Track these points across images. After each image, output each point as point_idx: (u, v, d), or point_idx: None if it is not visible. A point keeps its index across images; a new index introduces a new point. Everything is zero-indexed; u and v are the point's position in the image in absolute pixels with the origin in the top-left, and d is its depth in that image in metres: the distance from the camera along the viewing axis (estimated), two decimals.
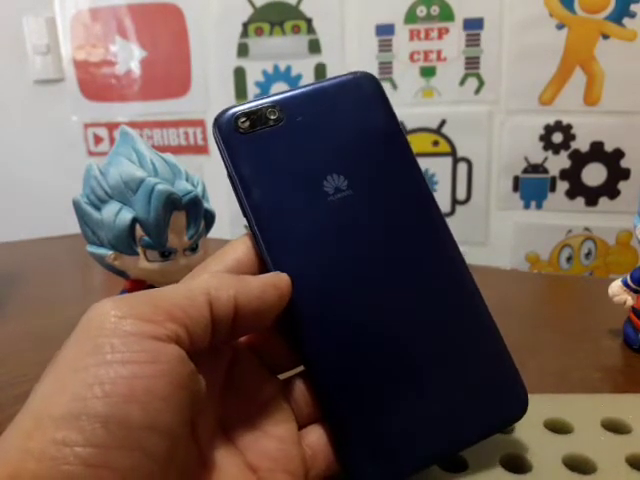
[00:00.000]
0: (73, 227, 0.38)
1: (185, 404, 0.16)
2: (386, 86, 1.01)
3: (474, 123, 0.98)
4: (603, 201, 0.96)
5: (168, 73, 1.12)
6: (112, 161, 0.34)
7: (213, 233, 0.38)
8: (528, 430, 0.25)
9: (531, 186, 0.98)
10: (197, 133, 1.14)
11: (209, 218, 0.37)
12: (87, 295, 0.58)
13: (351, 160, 0.23)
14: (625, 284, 0.37)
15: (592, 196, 0.96)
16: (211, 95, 1.11)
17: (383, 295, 0.22)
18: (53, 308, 0.50)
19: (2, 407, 0.33)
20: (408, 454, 0.21)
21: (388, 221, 0.23)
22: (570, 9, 0.90)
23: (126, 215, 0.33)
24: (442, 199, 1.02)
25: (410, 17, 0.97)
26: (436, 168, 1.02)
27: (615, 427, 0.25)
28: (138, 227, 0.33)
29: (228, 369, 0.22)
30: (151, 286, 0.36)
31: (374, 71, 1.00)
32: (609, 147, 0.93)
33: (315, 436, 0.22)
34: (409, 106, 1.00)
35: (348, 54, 1.02)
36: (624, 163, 0.93)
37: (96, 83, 1.17)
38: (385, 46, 0.99)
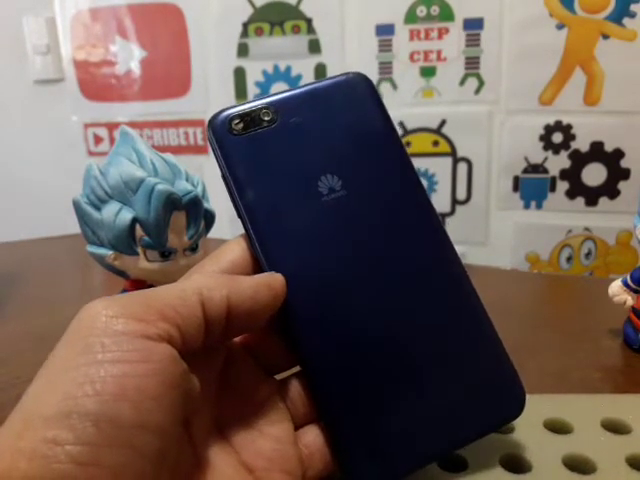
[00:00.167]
0: (73, 227, 0.38)
1: (177, 403, 0.16)
2: (386, 86, 1.01)
3: (474, 123, 0.98)
4: (603, 201, 0.96)
5: (168, 73, 1.12)
6: (112, 161, 0.34)
7: (213, 233, 0.38)
8: (528, 430, 0.25)
9: (531, 186, 0.98)
10: (197, 133, 1.14)
11: (209, 218, 0.37)
12: (87, 295, 0.58)
13: (345, 160, 0.23)
14: (625, 284, 0.37)
15: (592, 196, 0.96)
16: (211, 95, 1.11)
17: (378, 295, 0.22)
18: (53, 308, 0.50)
19: (2, 407, 0.33)
20: (405, 453, 0.21)
21: (383, 221, 0.23)
22: (570, 9, 0.90)
23: (126, 215, 0.33)
24: (442, 199, 1.02)
25: (410, 17, 0.97)
26: (436, 168, 1.02)
27: (615, 427, 0.25)
28: (138, 227, 0.33)
29: (224, 369, 0.22)
30: (151, 286, 0.36)
31: (374, 71, 1.00)
32: (609, 147, 0.93)
33: (312, 436, 0.22)
34: (409, 106, 1.00)
35: (348, 54, 1.02)
36: (624, 163, 0.93)
37: (96, 83, 1.17)
38: (385, 46, 0.99)
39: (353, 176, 0.23)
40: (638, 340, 0.37)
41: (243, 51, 1.06)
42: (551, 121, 0.95)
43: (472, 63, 0.96)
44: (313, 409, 0.22)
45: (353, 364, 0.21)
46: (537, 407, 0.26)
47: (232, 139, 0.22)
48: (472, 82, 0.97)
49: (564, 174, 0.97)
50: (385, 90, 1.00)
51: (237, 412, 0.21)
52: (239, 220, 0.22)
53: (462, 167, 1.01)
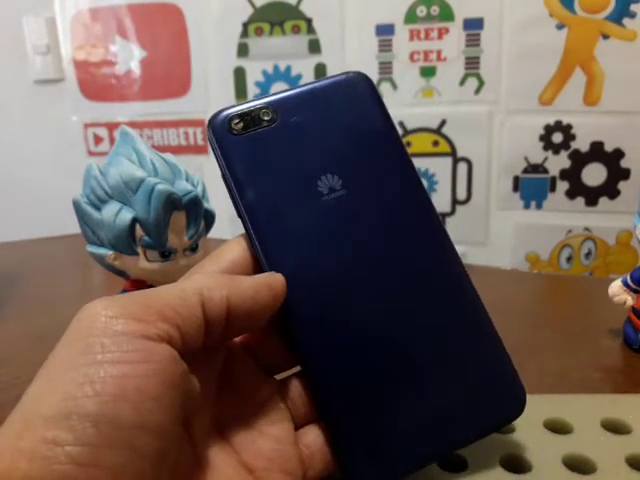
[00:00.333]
0: (73, 227, 0.38)
1: (177, 404, 0.16)
2: (386, 86, 1.01)
3: (474, 123, 0.98)
4: (603, 201, 0.96)
5: (168, 73, 1.12)
6: (112, 161, 0.34)
7: (213, 233, 0.38)
8: (528, 430, 0.25)
9: (531, 186, 0.98)
10: (197, 133, 1.14)
11: (209, 218, 0.37)
12: (87, 295, 0.58)
13: (345, 160, 0.23)
14: (625, 284, 0.37)
15: (592, 196, 0.96)
16: (211, 95, 1.11)
17: (378, 294, 0.22)
18: (53, 308, 0.50)
19: (3, 407, 0.33)
20: (405, 453, 0.21)
21: (383, 220, 0.23)
22: (570, 9, 0.90)
23: (126, 215, 0.33)
24: (442, 199, 1.02)
25: (410, 17, 0.97)
26: (436, 168, 1.02)
27: (615, 427, 0.25)
28: (138, 227, 0.33)
29: (224, 369, 0.21)
30: (151, 286, 0.36)
31: (374, 71, 1.00)
32: (609, 147, 0.93)
33: (312, 436, 0.22)
34: (409, 106, 1.00)
35: (348, 54, 1.02)
36: (624, 163, 0.93)
37: (96, 83, 1.17)
38: (385, 46, 0.99)
39: (353, 176, 0.23)
40: (638, 340, 0.37)
41: (243, 51, 1.06)
42: (551, 121, 0.95)
43: (472, 63, 0.96)
44: (313, 409, 0.22)
45: (353, 364, 0.21)
46: (537, 407, 0.26)
47: (232, 139, 0.22)
48: (472, 82, 0.97)
49: (564, 174, 0.97)
50: (385, 90, 1.00)
51: (237, 412, 0.21)
52: (239, 220, 0.22)
53: (462, 167, 1.01)
